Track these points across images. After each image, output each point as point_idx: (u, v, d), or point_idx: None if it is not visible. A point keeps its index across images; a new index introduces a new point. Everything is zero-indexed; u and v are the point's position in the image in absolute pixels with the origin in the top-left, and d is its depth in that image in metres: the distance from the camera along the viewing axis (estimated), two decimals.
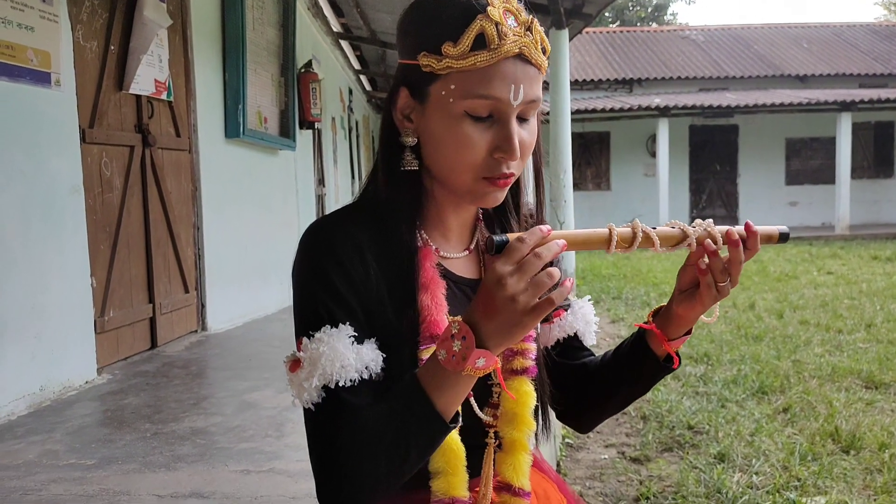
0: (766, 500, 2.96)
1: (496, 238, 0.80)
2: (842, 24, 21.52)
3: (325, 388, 0.88)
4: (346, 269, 0.92)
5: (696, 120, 17.27)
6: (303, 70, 6.58)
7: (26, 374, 3.23)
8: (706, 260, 0.93)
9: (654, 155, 16.79)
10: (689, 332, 1.04)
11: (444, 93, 0.90)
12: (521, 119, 0.93)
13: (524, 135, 0.93)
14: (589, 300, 1.19)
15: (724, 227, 0.93)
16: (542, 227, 0.81)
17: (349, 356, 0.88)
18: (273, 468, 2.28)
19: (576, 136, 13.42)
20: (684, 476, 3.29)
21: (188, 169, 4.88)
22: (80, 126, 3.67)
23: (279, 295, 6.08)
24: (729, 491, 3.08)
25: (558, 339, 1.15)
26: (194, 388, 3.63)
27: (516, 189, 1.07)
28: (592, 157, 17.75)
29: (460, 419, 0.88)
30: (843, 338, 5.88)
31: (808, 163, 17.65)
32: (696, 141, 17.70)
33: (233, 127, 5.16)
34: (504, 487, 1.01)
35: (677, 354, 1.03)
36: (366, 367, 0.90)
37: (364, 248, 0.94)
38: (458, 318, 0.82)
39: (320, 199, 7.77)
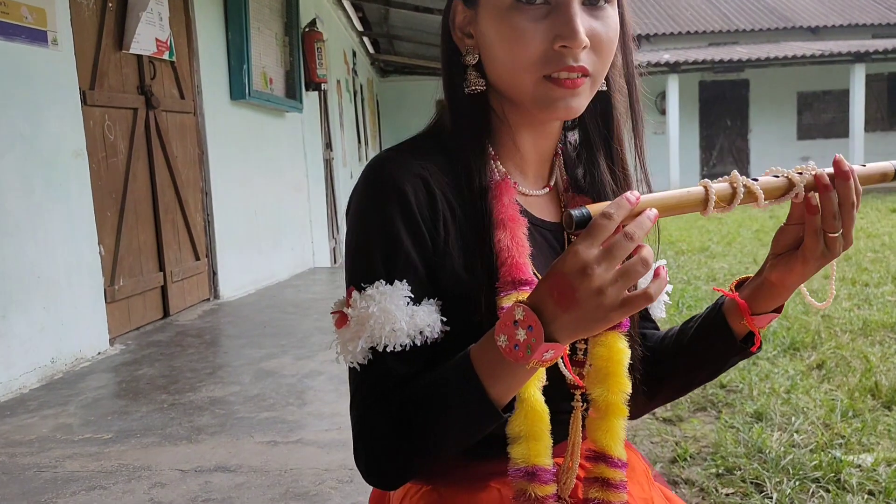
0: (810, 459, 2.84)
1: (575, 213, 0.65)
2: None
3: (373, 350, 0.78)
4: (412, 214, 0.80)
5: (705, 76, 16.94)
6: (307, 29, 6.36)
7: (36, 347, 3.12)
8: (817, 199, 0.78)
9: (663, 112, 16.50)
10: (778, 311, 0.88)
11: None
12: (592, 4, 0.79)
13: (596, 25, 0.79)
14: (664, 265, 1.03)
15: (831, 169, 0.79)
16: (629, 194, 0.66)
17: (402, 319, 0.77)
18: (301, 439, 2.16)
19: None
20: (721, 436, 3.16)
21: (194, 132, 4.72)
22: (80, 87, 3.51)
23: (292, 261, 5.96)
24: (770, 450, 2.96)
25: None
26: (209, 356, 3.52)
27: (607, 122, 0.92)
28: None
29: (514, 407, 0.76)
30: (870, 291, 5.75)
31: (820, 116, 17.34)
32: (706, 97, 17.39)
33: (238, 88, 4.99)
34: (598, 457, 0.87)
35: (759, 335, 0.89)
36: (420, 333, 0.78)
37: (433, 182, 0.82)
38: (524, 301, 0.68)
39: (328, 164, 7.60)
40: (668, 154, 15.36)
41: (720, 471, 2.89)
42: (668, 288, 1.01)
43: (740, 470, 2.88)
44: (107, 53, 3.79)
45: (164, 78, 4.38)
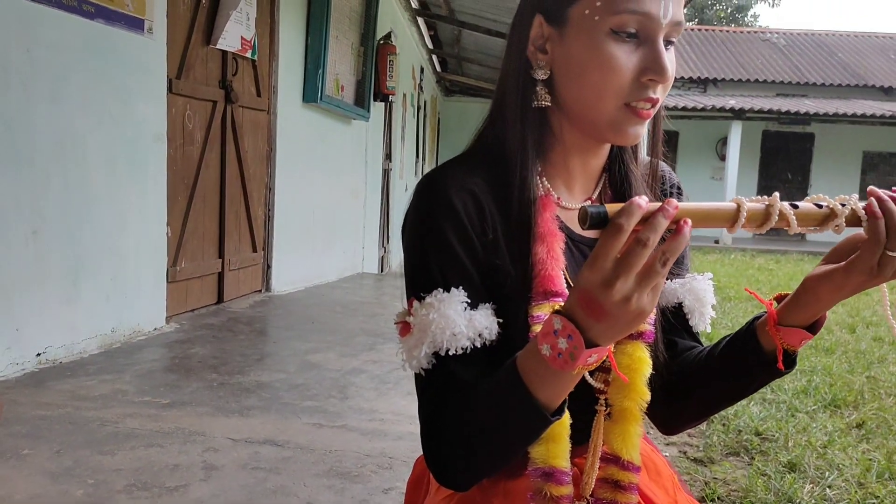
0: None
1: (591, 209, 0.65)
2: None
3: (436, 354, 0.83)
4: (462, 226, 0.86)
5: (770, 125, 16.74)
6: (382, 41, 6.55)
7: (100, 315, 3.28)
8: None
9: (723, 158, 16.35)
10: (813, 331, 0.86)
11: (587, 11, 0.83)
12: (666, 43, 0.85)
13: (668, 62, 0.85)
14: (710, 278, 1.05)
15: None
16: (639, 199, 0.65)
17: (461, 323, 0.82)
18: (345, 425, 2.26)
19: None
20: (752, 481, 3.15)
21: (265, 129, 4.90)
22: (167, 76, 3.70)
23: (341, 263, 6.10)
24: (801, 501, 2.95)
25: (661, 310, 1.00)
26: (258, 344, 3.65)
27: (633, 147, 0.98)
28: None
29: (566, 409, 0.80)
30: None
31: (885, 178, 16.95)
32: (769, 147, 17.17)
33: (311, 91, 5.16)
34: (612, 460, 0.92)
35: (792, 354, 0.87)
36: (479, 335, 0.84)
37: (482, 197, 0.88)
38: (560, 311, 0.71)
39: (386, 174, 7.75)
40: (724, 200, 15.17)
41: None
42: (713, 301, 1.04)
43: None
44: (195, 46, 3.98)
45: (244, 75, 4.57)
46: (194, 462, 1.95)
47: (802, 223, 0.74)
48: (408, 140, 9.41)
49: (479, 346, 0.83)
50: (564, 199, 0.94)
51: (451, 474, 0.83)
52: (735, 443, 3.64)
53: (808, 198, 0.78)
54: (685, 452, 3.54)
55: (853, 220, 0.75)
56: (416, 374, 0.86)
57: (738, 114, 15.17)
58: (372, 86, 6.29)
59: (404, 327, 0.85)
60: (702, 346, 1.03)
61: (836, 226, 0.75)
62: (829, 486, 3.09)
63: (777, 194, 0.74)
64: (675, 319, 1.02)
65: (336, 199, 6.04)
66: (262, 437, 2.12)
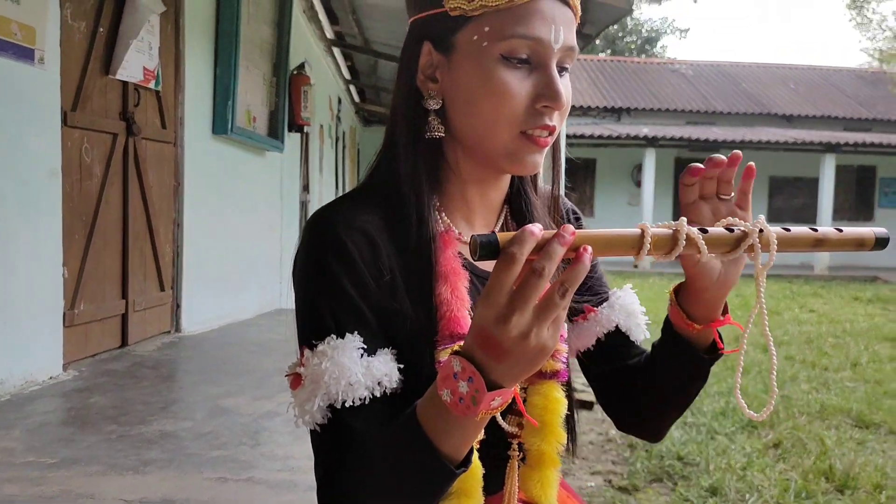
0: None
1: (479, 238, 0.60)
2: (828, 68, 21.83)
3: (331, 407, 0.76)
4: (355, 266, 0.79)
5: (681, 152, 17.36)
6: (295, 72, 6.44)
7: None
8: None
9: (639, 185, 16.84)
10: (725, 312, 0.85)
11: (476, 37, 0.80)
12: (559, 70, 0.82)
13: (562, 88, 0.81)
14: (631, 288, 1.02)
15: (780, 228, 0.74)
16: (532, 227, 0.61)
17: (357, 372, 0.75)
18: (252, 477, 2.11)
19: None
20: None
21: (172, 162, 4.71)
22: (62, 108, 3.50)
23: (258, 300, 5.89)
24: None
25: (599, 339, 0.98)
26: (164, 390, 3.44)
27: (533, 176, 0.95)
28: (577, 183, 17.75)
29: (472, 461, 0.73)
30: (829, 375, 5.82)
31: (790, 201, 17.80)
32: (682, 173, 17.79)
33: (221, 123, 5.00)
34: None
35: (720, 339, 0.87)
36: (378, 384, 0.77)
37: (376, 235, 0.82)
38: (459, 352, 0.66)
39: (304, 206, 7.60)
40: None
41: None
42: (642, 309, 1.01)
43: None
44: (93, 77, 3.79)
45: (147, 106, 4.38)
46: None
47: (714, 248, 0.70)
48: (326, 171, 9.29)
49: (378, 395, 0.77)
50: (465, 234, 0.89)
51: None
52: (658, 468, 3.64)
53: (719, 222, 0.74)
54: (610, 481, 3.51)
55: (765, 242, 0.71)
56: (311, 430, 0.78)
57: (651, 141, 15.69)
58: (286, 117, 6.16)
59: (295, 379, 0.78)
60: (645, 351, 1.01)
61: (751, 249, 0.70)
62: None
63: (684, 219, 0.70)
64: (617, 341, 0.99)
65: (251, 234, 5.85)
66: (159, 497, 1.95)
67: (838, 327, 8.13)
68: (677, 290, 0.87)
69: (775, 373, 0.78)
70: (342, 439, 0.76)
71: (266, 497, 1.97)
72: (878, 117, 18.43)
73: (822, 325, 8.32)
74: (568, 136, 15.50)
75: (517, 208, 0.95)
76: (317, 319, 0.78)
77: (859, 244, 0.76)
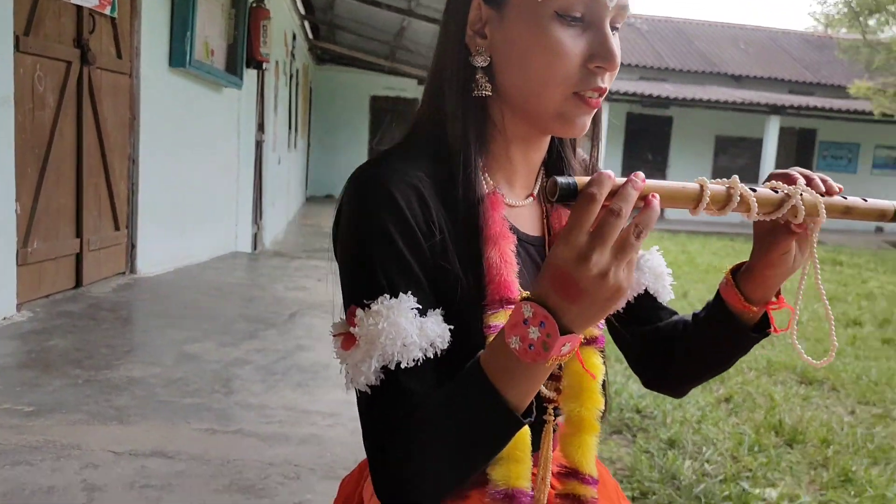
0: (720, 489, 2.95)
1: (561, 180, 0.63)
2: (777, 30, 22.16)
3: (385, 368, 0.74)
4: (409, 225, 0.77)
5: (634, 108, 17.50)
6: (254, 4, 6.17)
7: None
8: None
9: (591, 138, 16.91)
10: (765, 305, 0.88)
11: None
12: (611, 28, 0.80)
13: (617, 49, 0.79)
14: (658, 250, 1.03)
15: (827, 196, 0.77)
16: (607, 172, 0.64)
17: (412, 332, 0.74)
18: (241, 429, 2.07)
19: None
20: (637, 459, 3.24)
21: (127, 95, 4.49)
22: (14, 32, 3.27)
23: (214, 242, 5.75)
24: (684, 478, 3.06)
25: (629, 302, 0.99)
26: (126, 334, 3.35)
27: (572, 140, 0.95)
28: None
29: (534, 411, 0.74)
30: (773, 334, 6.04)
31: (734, 161, 18.19)
32: (633, 129, 17.95)
33: (178, 55, 4.77)
34: (570, 473, 0.87)
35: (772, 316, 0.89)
36: (431, 345, 0.75)
37: (426, 194, 0.79)
38: (529, 298, 0.66)
39: (259, 146, 7.38)
40: None
41: (636, 494, 2.97)
42: (669, 271, 1.02)
43: (655, 494, 2.96)
44: (45, 0, 3.55)
45: (102, 34, 4.14)
46: (72, 482, 1.70)
47: (761, 208, 0.73)
48: (280, 110, 9.02)
49: (430, 356, 0.75)
50: (507, 195, 0.87)
51: (416, 499, 0.74)
52: (618, 421, 3.74)
53: (765, 183, 0.78)
54: None
55: (809, 206, 0.75)
56: (359, 392, 0.76)
57: (606, 95, 15.72)
58: (244, 51, 5.92)
59: (347, 339, 0.75)
60: (678, 314, 1.02)
61: (794, 211, 0.75)
62: (707, 461, 3.23)
63: (736, 177, 0.72)
64: (646, 303, 1.00)
65: (207, 174, 5.66)
66: (149, 449, 1.89)
67: (783, 286, 8.44)
68: (734, 271, 0.88)
69: (833, 325, 0.83)
70: (398, 401, 0.74)
71: (260, 449, 1.94)
72: (821, 81, 18.86)
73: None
74: None
75: (555, 171, 0.94)
76: (369, 278, 0.75)
77: (881, 215, 0.81)
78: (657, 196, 0.65)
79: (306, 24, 11.79)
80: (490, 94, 0.83)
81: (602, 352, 0.90)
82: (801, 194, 0.75)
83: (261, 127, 7.48)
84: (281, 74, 8.86)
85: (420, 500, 0.74)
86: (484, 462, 0.75)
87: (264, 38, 6.17)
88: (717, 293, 0.91)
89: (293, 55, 10.21)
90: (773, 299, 0.88)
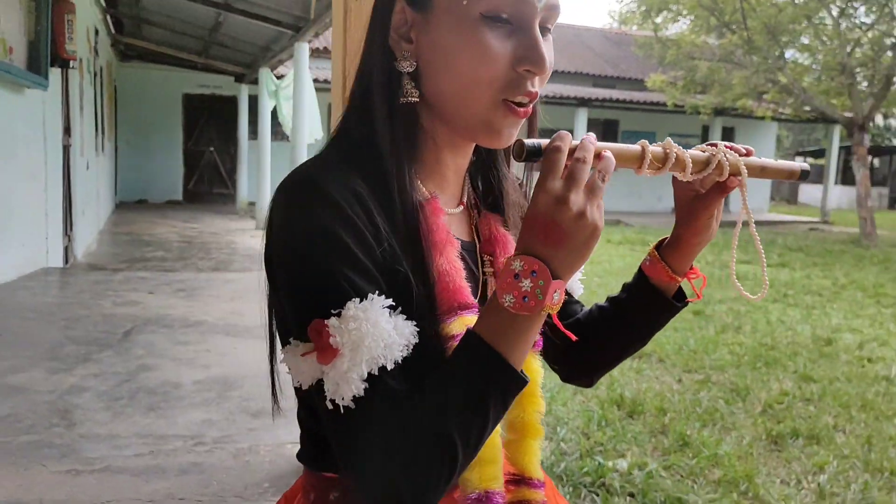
0: (578, 466, 3.11)
1: (528, 143, 0.70)
2: (580, 27, 23.64)
3: (369, 374, 0.69)
4: (356, 227, 0.73)
5: None
6: None
7: None
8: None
9: None
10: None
11: None
12: (542, 30, 0.79)
13: (546, 50, 0.78)
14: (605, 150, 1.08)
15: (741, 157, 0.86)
16: (563, 131, 0.71)
17: (391, 332, 0.70)
18: (108, 466, 1.87)
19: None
20: None
21: None
22: None
23: (20, 258, 5.20)
24: (545, 459, 3.19)
25: None
26: None
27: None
28: None
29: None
30: None
31: None
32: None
33: None
34: (519, 480, 0.86)
35: (682, 291, 0.95)
36: (406, 344, 0.72)
37: (367, 199, 0.75)
38: (516, 254, 0.69)
39: (66, 151, 6.76)
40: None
41: None
42: (578, 274, 1.04)
43: None
44: None
45: None
46: None
47: (695, 167, 0.81)
48: (87, 112, 8.31)
49: (405, 355, 0.72)
50: (441, 202, 0.85)
51: (427, 498, 0.69)
52: None
53: (698, 146, 0.85)
54: None
55: (732, 164, 0.83)
56: (335, 409, 0.69)
57: None
58: (48, 49, 5.38)
59: (326, 353, 0.69)
60: (586, 307, 1.04)
61: (720, 173, 0.83)
62: (563, 440, 3.40)
63: (670, 139, 0.79)
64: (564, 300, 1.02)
65: (9, 184, 5.09)
66: (2, 499, 1.66)
67: (599, 268, 9.02)
68: (657, 248, 0.93)
69: (765, 264, 0.92)
70: (390, 403, 0.70)
71: (136, 486, 1.77)
72: (621, 75, 20.38)
73: (586, 265, 9.18)
74: None
75: (484, 179, 0.94)
76: (331, 285, 0.71)
77: (790, 174, 0.90)
78: (609, 152, 0.72)
79: (108, 17, 10.94)
80: (417, 100, 0.80)
81: (540, 355, 0.90)
82: (725, 155, 0.83)
83: (67, 130, 6.85)
84: (85, 73, 8.16)
85: (434, 497, 0.70)
86: (487, 436, 0.72)
87: (69, 33, 5.64)
88: (639, 272, 0.95)
89: (96, 51, 9.44)
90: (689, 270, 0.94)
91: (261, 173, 11.32)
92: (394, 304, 0.72)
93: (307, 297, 0.72)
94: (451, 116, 0.81)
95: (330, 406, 0.70)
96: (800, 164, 0.90)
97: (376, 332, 0.69)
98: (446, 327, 0.77)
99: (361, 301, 0.70)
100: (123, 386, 2.80)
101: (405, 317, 0.73)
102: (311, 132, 8.93)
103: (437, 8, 0.76)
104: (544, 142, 0.70)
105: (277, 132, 12.61)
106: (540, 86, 0.80)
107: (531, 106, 0.80)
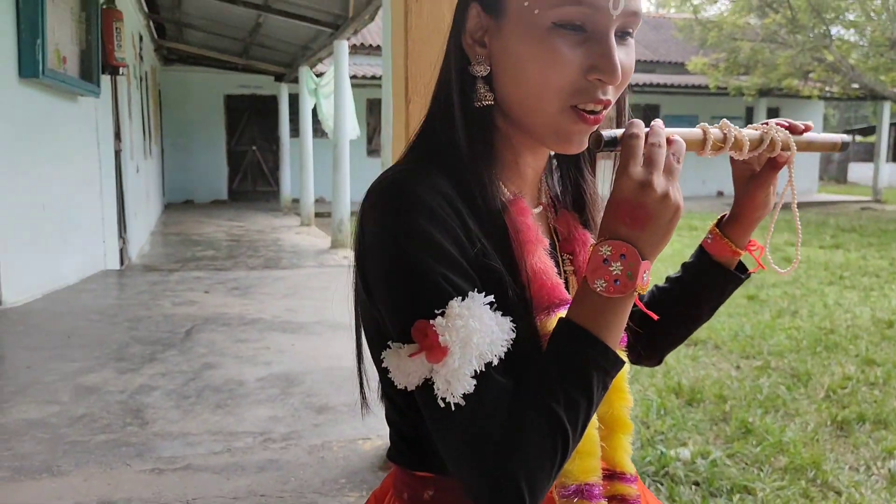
0: (641, 455, 3.09)
1: (605, 133, 0.73)
2: None
3: (476, 373, 0.70)
4: (449, 228, 0.74)
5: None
6: (105, 5, 5.76)
7: None
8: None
9: None
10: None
11: (527, 3, 0.74)
12: (620, 36, 0.78)
13: (623, 57, 0.77)
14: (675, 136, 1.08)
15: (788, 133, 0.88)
16: (636, 119, 0.74)
17: (494, 328, 0.71)
18: (189, 465, 1.92)
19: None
20: None
21: None
22: None
23: (81, 262, 5.35)
24: None
25: None
26: (8, 372, 3.05)
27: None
28: None
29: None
30: None
31: None
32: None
33: (29, 65, 4.37)
34: (612, 475, 0.86)
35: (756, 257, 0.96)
36: (508, 339, 0.72)
37: (457, 201, 0.76)
38: (602, 240, 0.71)
39: (118, 155, 6.92)
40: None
41: None
42: None
43: None
44: None
45: None
46: None
47: (750, 145, 0.84)
48: (134, 116, 8.50)
49: (507, 350, 0.72)
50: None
51: (541, 487, 0.69)
52: None
53: (750, 125, 0.88)
54: None
55: (782, 140, 0.86)
56: (450, 406, 0.69)
57: None
58: (99, 57, 5.51)
59: (436, 352, 0.69)
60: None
61: (772, 144, 0.86)
62: None
63: (726, 120, 0.83)
64: None
65: (69, 189, 5.24)
66: (95, 500, 1.71)
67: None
68: (718, 224, 0.96)
69: (800, 240, 0.95)
70: (500, 397, 0.70)
71: (219, 484, 1.81)
72: (660, 59, 20.07)
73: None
74: None
75: (561, 179, 0.94)
76: (431, 286, 0.71)
77: (833, 146, 0.93)
78: (677, 136, 0.75)
79: (151, 23, 11.15)
80: (491, 103, 0.81)
81: (626, 349, 0.89)
82: (777, 132, 0.87)
83: (117, 135, 7.02)
84: (132, 78, 8.34)
85: (545, 487, 0.70)
86: (590, 420, 0.73)
87: (118, 40, 5.77)
88: (699, 250, 0.97)
89: (141, 57, 9.65)
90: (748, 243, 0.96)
91: (303, 170, 11.44)
92: (493, 300, 0.72)
93: (407, 299, 0.73)
94: (522, 121, 0.81)
95: (441, 405, 0.70)
96: (840, 136, 0.94)
97: (483, 329, 0.70)
98: (544, 324, 0.77)
99: (463, 299, 0.71)
100: (190, 384, 2.86)
101: (501, 313, 0.73)
102: (352, 129, 8.99)
103: (510, 14, 0.76)
104: (620, 131, 0.73)
105: (317, 129, 12.71)
106: (613, 94, 0.78)
107: (603, 113, 0.78)
